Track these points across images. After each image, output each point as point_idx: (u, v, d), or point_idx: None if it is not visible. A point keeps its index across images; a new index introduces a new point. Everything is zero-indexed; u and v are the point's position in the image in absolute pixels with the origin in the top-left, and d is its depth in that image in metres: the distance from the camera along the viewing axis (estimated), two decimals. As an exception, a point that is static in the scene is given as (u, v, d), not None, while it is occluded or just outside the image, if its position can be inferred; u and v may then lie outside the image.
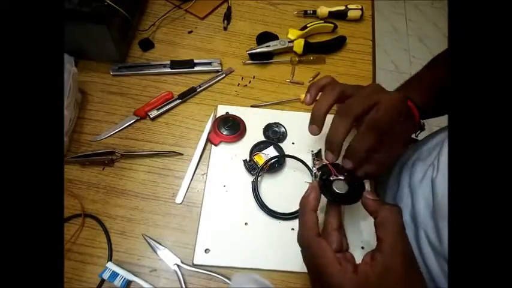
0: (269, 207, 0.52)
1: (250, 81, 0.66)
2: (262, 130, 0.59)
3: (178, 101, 0.62)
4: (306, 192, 0.41)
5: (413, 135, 0.56)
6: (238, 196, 0.54)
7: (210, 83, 0.64)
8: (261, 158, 0.55)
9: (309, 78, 0.67)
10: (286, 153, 0.56)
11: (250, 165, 0.55)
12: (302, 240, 0.39)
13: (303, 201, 0.41)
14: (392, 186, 0.65)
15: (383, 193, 0.67)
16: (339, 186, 0.42)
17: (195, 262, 0.49)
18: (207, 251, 0.50)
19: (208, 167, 0.56)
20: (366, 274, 0.35)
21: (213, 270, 0.49)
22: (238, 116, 0.60)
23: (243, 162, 0.55)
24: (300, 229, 0.40)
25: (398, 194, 0.62)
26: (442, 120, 0.54)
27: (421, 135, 0.61)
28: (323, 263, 0.36)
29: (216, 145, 0.58)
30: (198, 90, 0.63)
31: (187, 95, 0.62)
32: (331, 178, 0.43)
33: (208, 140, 0.58)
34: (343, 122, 0.43)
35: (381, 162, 0.47)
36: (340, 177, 0.43)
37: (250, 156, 0.56)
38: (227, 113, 0.61)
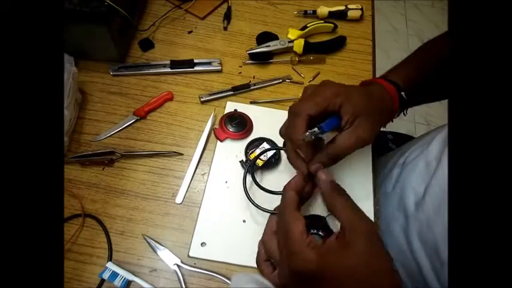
0: (256, 202, 0.50)
1: (250, 81, 0.66)
2: (270, 131, 0.58)
3: (230, 93, 0.63)
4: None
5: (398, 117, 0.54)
6: (238, 193, 0.54)
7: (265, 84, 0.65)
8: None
9: (309, 78, 0.67)
10: (279, 146, 0.55)
11: (247, 165, 0.54)
12: (280, 214, 0.42)
13: (287, 183, 0.43)
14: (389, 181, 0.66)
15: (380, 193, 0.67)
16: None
17: (191, 255, 0.50)
18: (203, 244, 0.50)
19: (212, 162, 0.56)
20: (328, 244, 0.37)
21: (213, 270, 0.49)
22: (246, 113, 0.60)
23: (240, 164, 0.55)
24: (280, 205, 0.43)
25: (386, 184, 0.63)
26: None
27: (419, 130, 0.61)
28: (292, 229, 0.38)
29: (221, 141, 0.58)
30: (251, 88, 0.64)
31: (241, 89, 0.64)
32: (311, 231, 0.41)
33: (214, 135, 0.58)
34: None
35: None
36: (319, 233, 0.42)
37: (246, 156, 0.55)
38: (235, 110, 0.61)
